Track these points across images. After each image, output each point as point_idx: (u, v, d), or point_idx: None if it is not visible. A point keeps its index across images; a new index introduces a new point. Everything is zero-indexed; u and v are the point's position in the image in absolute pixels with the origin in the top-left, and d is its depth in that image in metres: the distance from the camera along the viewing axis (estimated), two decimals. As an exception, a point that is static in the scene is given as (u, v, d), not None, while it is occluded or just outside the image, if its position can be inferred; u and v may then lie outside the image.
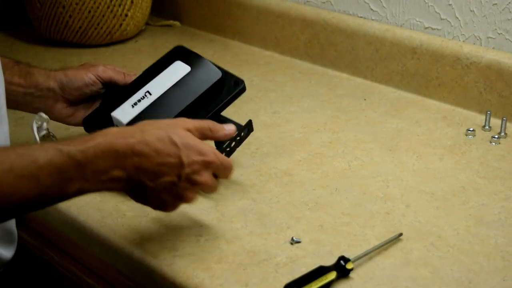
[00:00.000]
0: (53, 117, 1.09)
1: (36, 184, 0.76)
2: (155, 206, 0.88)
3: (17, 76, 1.07)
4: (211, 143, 0.97)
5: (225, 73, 1.06)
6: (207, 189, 0.88)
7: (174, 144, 0.83)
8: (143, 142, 0.81)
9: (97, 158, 0.79)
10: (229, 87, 1.05)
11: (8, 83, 1.04)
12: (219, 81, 1.05)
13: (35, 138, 1.03)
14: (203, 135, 0.89)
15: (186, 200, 0.87)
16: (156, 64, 1.08)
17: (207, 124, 0.90)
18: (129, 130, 0.83)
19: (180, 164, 0.83)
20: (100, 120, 1.06)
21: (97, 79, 1.09)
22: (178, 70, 1.06)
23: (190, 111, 1.02)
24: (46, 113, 1.06)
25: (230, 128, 0.94)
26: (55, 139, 1.09)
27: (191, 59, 1.07)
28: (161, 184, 0.83)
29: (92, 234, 0.98)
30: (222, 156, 0.88)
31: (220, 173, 0.89)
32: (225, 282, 0.86)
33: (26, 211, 0.82)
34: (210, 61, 1.07)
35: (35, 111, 1.08)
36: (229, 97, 1.05)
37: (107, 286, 1.03)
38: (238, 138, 1.02)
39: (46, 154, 0.77)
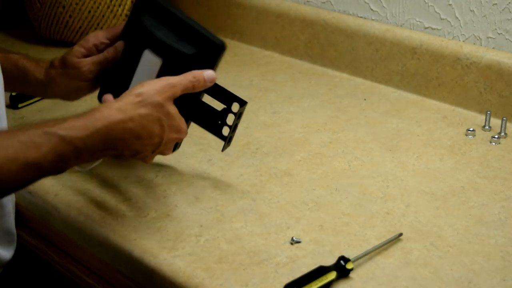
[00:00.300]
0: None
1: (38, 170, 0.80)
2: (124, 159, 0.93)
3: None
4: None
5: (198, 45, 1.00)
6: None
7: (161, 125, 0.91)
8: (139, 124, 0.88)
9: (94, 144, 0.84)
10: (210, 52, 1.00)
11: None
12: (194, 58, 0.99)
13: None
14: (188, 90, 0.95)
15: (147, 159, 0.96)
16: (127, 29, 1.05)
17: (188, 80, 0.95)
18: (128, 108, 0.88)
19: (159, 143, 0.92)
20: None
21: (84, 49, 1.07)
22: (152, 65, 1.00)
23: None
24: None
25: (208, 74, 0.97)
26: None
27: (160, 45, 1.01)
28: (136, 155, 0.92)
29: (92, 234, 0.98)
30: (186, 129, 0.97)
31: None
32: (225, 282, 0.86)
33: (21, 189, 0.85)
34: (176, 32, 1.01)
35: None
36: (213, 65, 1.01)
37: (107, 286, 1.03)
38: (239, 113, 1.02)
39: (49, 142, 0.80)
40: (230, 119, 1.02)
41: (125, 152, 0.89)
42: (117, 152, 0.88)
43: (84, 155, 0.84)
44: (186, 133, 0.97)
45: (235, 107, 1.02)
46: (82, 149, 0.83)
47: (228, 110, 1.02)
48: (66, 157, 0.82)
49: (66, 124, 0.82)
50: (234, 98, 1.02)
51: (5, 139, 0.79)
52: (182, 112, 0.95)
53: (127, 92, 0.91)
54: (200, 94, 1.00)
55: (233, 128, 1.03)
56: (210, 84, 0.97)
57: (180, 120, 0.94)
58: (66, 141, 0.81)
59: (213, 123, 1.03)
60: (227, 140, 1.04)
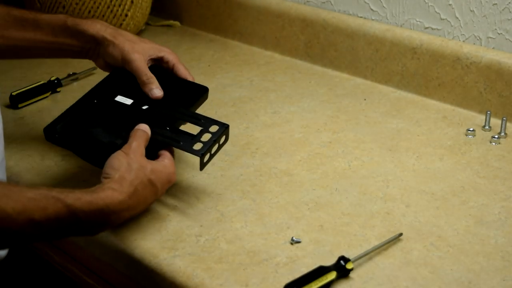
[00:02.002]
0: (96, 65, 1.14)
1: (39, 230, 0.83)
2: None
3: (69, 38, 1.10)
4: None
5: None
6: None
7: (155, 186, 0.93)
8: (134, 196, 0.90)
9: (95, 217, 0.86)
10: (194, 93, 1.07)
11: (61, 44, 1.10)
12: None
13: None
14: (146, 141, 0.98)
15: None
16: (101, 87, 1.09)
17: (139, 136, 0.97)
18: (124, 185, 0.90)
19: (156, 199, 0.95)
20: (74, 132, 1.03)
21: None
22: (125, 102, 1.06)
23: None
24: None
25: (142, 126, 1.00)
26: None
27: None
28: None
29: (92, 234, 0.98)
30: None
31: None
32: (225, 282, 0.86)
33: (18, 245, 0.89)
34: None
35: (82, 59, 1.14)
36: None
37: (107, 286, 1.03)
38: (216, 140, 1.00)
39: (54, 206, 0.83)
40: (206, 137, 1.00)
41: (126, 217, 0.91)
42: (115, 223, 0.90)
43: (83, 227, 0.86)
44: (175, 176, 0.97)
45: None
46: (83, 222, 0.85)
47: (204, 131, 1.01)
48: (67, 225, 0.84)
49: (73, 194, 0.85)
50: (214, 122, 1.02)
51: (14, 192, 0.82)
52: (154, 149, 0.98)
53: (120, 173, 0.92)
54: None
55: (211, 146, 0.99)
56: (147, 131, 0.99)
57: (168, 171, 0.95)
58: (71, 210, 0.84)
59: (187, 142, 1.00)
60: (202, 156, 0.99)
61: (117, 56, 1.07)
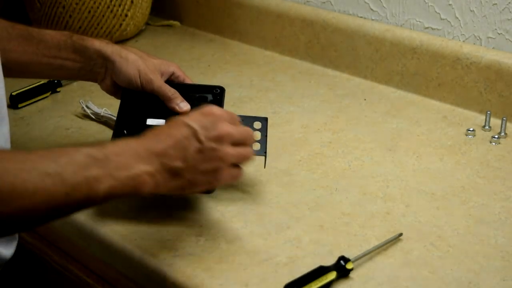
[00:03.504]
0: (101, 88, 1.10)
1: (60, 182, 0.75)
2: (201, 184, 0.86)
3: (73, 53, 1.07)
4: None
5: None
6: (235, 158, 0.88)
7: (185, 124, 0.85)
8: (156, 135, 0.83)
9: (117, 156, 0.79)
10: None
11: (64, 59, 1.06)
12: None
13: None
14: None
15: (223, 170, 0.87)
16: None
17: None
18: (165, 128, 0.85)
19: (193, 132, 0.84)
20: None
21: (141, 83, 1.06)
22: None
23: None
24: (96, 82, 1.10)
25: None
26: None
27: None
28: (189, 157, 0.84)
29: (92, 234, 0.98)
30: (237, 126, 0.89)
31: (241, 140, 0.89)
32: (225, 282, 0.86)
33: (55, 216, 0.79)
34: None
35: (85, 80, 1.11)
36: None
37: (107, 286, 1.03)
38: (267, 135, 1.04)
39: (67, 154, 0.77)
40: (256, 135, 1.02)
41: (168, 161, 0.82)
42: (154, 165, 0.81)
43: (113, 169, 0.78)
44: (228, 126, 0.87)
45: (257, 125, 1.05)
46: (105, 160, 0.78)
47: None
48: (92, 171, 0.77)
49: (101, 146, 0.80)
50: (254, 118, 1.05)
51: (23, 154, 0.76)
52: None
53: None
54: None
55: (266, 142, 1.03)
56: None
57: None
58: (83, 152, 0.77)
59: None
60: (265, 154, 1.03)
61: (132, 74, 1.04)
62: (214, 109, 0.88)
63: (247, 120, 1.04)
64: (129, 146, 0.82)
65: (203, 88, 1.08)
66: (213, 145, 0.85)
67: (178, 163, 0.83)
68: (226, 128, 0.87)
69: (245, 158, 0.90)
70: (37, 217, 0.77)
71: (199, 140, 0.84)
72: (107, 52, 1.05)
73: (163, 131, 0.85)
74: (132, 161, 0.80)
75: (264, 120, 1.06)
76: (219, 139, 0.86)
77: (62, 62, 1.07)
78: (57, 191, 0.75)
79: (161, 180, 0.82)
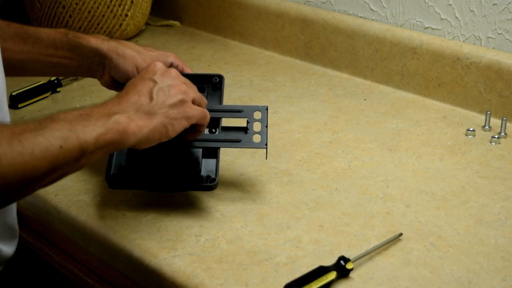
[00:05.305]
0: (101, 83, 1.11)
1: (52, 137, 0.79)
2: (177, 117, 0.92)
3: (69, 51, 1.08)
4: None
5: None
6: (193, 93, 0.95)
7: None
8: (126, 92, 0.91)
9: (99, 111, 0.85)
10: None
11: (60, 57, 1.08)
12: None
13: None
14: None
15: (189, 103, 0.94)
16: None
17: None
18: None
19: (153, 80, 0.93)
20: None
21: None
22: None
23: None
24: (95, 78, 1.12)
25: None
26: None
27: None
28: (154, 96, 0.91)
29: (92, 234, 0.98)
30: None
31: (197, 97, 0.96)
32: (225, 282, 0.86)
33: (55, 171, 0.82)
34: None
35: (84, 76, 1.13)
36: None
37: (107, 286, 1.03)
38: (267, 125, 1.04)
39: (55, 118, 0.81)
40: (257, 126, 1.03)
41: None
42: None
43: (94, 115, 0.84)
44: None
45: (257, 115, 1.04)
46: (88, 112, 0.84)
47: (252, 120, 1.03)
48: (75, 122, 0.81)
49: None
50: (254, 108, 1.05)
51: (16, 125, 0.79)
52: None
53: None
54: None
55: (266, 133, 1.03)
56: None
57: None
58: (68, 110, 0.82)
59: (245, 138, 1.02)
60: (266, 146, 1.02)
61: (130, 70, 1.05)
62: (172, 70, 0.96)
63: (247, 110, 1.04)
64: (105, 103, 0.87)
65: (203, 77, 1.08)
66: (169, 82, 0.94)
67: (146, 102, 0.90)
68: (180, 77, 0.96)
69: (203, 101, 0.97)
70: (38, 176, 0.80)
71: (156, 82, 0.93)
72: (103, 50, 1.06)
73: (130, 86, 0.92)
74: (111, 111, 0.86)
75: (264, 109, 1.05)
76: (175, 78, 0.95)
77: (59, 61, 1.08)
78: (52, 145, 0.79)
79: (139, 121, 0.88)
